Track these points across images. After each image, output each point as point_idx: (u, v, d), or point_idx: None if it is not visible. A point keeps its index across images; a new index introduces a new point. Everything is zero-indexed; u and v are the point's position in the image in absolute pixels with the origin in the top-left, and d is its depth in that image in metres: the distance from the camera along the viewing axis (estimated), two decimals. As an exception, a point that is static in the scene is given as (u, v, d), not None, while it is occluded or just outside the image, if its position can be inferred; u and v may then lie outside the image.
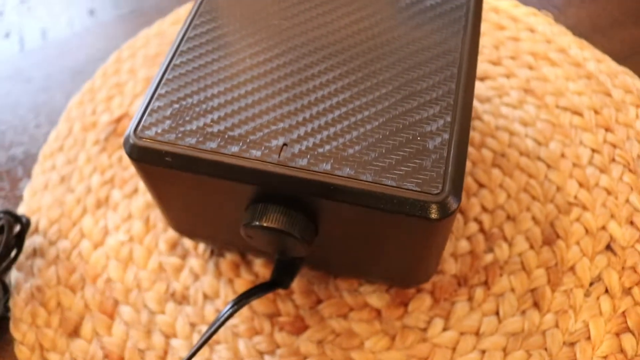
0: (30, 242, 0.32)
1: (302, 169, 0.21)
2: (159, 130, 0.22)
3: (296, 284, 0.29)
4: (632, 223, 0.30)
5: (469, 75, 0.23)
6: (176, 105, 0.23)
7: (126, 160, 0.34)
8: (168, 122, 0.23)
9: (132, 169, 0.34)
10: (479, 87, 0.35)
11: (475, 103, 0.35)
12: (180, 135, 0.22)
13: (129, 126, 0.23)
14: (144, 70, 0.38)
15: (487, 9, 0.39)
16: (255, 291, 0.25)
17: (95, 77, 0.38)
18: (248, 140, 0.22)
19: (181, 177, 0.23)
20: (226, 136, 0.22)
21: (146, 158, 0.22)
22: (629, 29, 0.39)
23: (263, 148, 0.21)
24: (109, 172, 0.34)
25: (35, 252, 0.32)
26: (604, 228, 0.30)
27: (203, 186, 0.23)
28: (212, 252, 0.31)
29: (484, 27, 0.38)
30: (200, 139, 0.22)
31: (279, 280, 0.26)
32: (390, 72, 0.23)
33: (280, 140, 0.22)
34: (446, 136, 0.21)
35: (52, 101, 0.38)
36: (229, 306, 0.25)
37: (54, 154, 0.35)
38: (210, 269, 0.30)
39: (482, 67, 0.36)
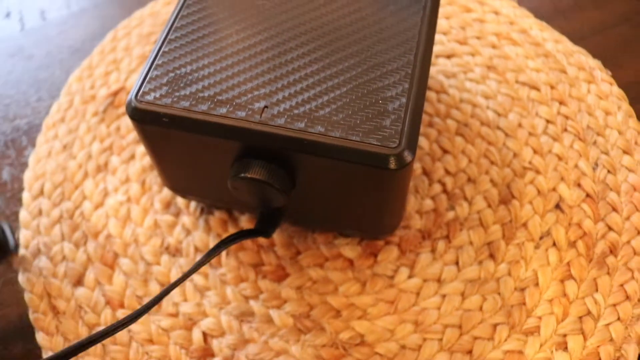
0: (35, 203, 0.36)
1: (280, 127, 0.25)
2: (157, 95, 0.26)
3: (278, 238, 0.33)
4: (579, 185, 0.35)
5: (426, 49, 0.27)
6: (172, 74, 0.27)
7: (123, 129, 0.38)
8: (165, 88, 0.26)
9: (129, 137, 0.37)
10: (446, 64, 0.39)
11: (442, 78, 0.39)
12: (175, 99, 0.26)
13: (131, 92, 0.27)
14: (138, 48, 0.41)
15: (457, -7, 0.43)
16: (239, 235, 0.29)
17: (93, 55, 0.42)
18: (234, 103, 0.26)
19: (176, 136, 0.27)
20: (215, 100, 0.26)
21: (146, 119, 0.26)
22: (588, 12, 0.43)
23: (247, 110, 0.25)
24: (108, 140, 0.38)
25: (41, 213, 0.36)
26: (554, 189, 0.35)
27: (195, 144, 0.27)
28: (202, 210, 0.35)
29: (452, 9, 0.42)
30: (193, 103, 0.26)
31: (262, 229, 0.30)
32: (357, 46, 0.27)
33: (262, 103, 0.26)
34: (404, 100, 0.25)
35: (52, 77, 0.42)
36: (215, 245, 0.29)
37: (56, 124, 0.39)
38: (200, 225, 0.34)
39: (449, 46, 0.40)
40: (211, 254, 0.27)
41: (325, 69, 0.27)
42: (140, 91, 0.27)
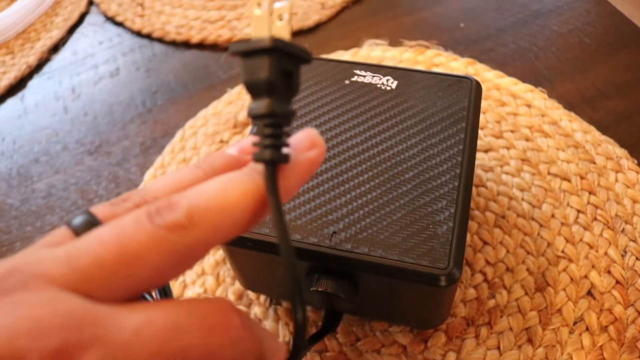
0: (123, 294, 0.43)
1: (347, 251, 0.31)
2: (241, 221, 0.33)
3: (339, 327, 0.39)
4: (609, 272, 0.40)
5: (468, 175, 0.33)
6: (252, 201, 0.33)
7: (196, 225, 0.45)
8: (247, 214, 0.33)
9: (202, 233, 0.44)
10: (484, 158, 0.45)
11: (481, 172, 0.45)
12: (257, 225, 0.32)
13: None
14: (205, 147, 0.48)
15: (490, 87, 0.49)
16: (315, 338, 0.35)
17: (165, 153, 0.49)
18: (308, 229, 0.32)
19: (257, 255, 0.33)
20: (291, 226, 0.32)
21: (232, 242, 0.33)
22: (613, 100, 0.48)
23: (318, 235, 0.32)
24: (183, 235, 0.44)
25: (128, 303, 0.42)
26: (586, 277, 0.40)
27: (273, 261, 0.33)
28: (270, 301, 0.41)
29: (488, 104, 0.48)
30: (272, 229, 0.32)
31: (328, 328, 0.36)
32: (408, 174, 0.33)
33: (331, 229, 0.32)
34: (450, 224, 0.31)
35: (129, 174, 0.49)
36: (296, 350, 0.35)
37: (136, 219, 0.46)
38: (270, 315, 0.40)
39: (486, 140, 0.46)
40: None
41: (383, 195, 0.33)
42: (227, 217, 0.33)
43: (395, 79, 0.38)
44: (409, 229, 0.32)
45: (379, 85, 0.37)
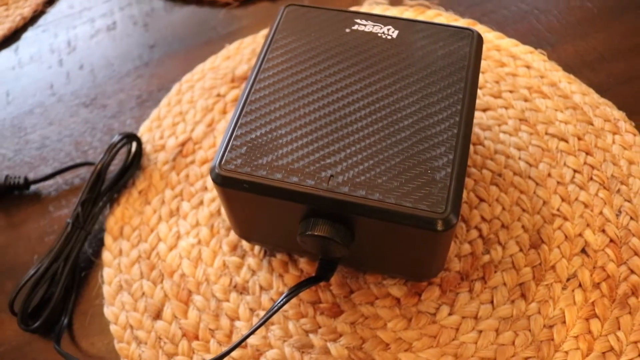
0: (116, 244, 0.42)
1: (345, 194, 0.31)
2: (238, 164, 0.33)
3: (333, 279, 0.39)
4: (603, 231, 0.40)
5: (468, 123, 0.33)
6: (249, 144, 0.33)
7: (192, 177, 0.44)
8: (244, 157, 0.33)
9: (197, 185, 0.44)
10: (482, 117, 0.45)
11: (478, 130, 0.44)
12: (253, 168, 0.32)
13: (214, 159, 0.33)
14: (202, 101, 0.48)
15: (490, 47, 0.49)
16: (305, 283, 0.35)
17: (161, 106, 0.49)
18: (305, 172, 0.32)
19: (253, 199, 0.33)
20: (288, 169, 0.32)
21: (228, 184, 0.32)
22: (613, 63, 0.48)
23: (315, 178, 0.32)
24: (178, 187, 0.44)
25: (121, 253, 0.42)
26: (580, 235, 0.40)
27: (269, 205, 0.33)
28: (265, 253, 0.41)
29: (487, 64, 0.48)
30: (269, 171, 0.32)
31: (322, 275, 0.36)
32: (408, 120, 0.33)
33: (328, 172, 0.32)
34: (449, 170, 0.31)
35: (124, 126, 0.48)
36: (284, 295, 0.35)
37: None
38: (264, 266, 0.40)
39: (484, 99, 0.46)
40: (286, 299, 0.34)
41: (382, 140, 0.33)
42: (223, 160, 0.33)
43: (396, 29, 0.37)
44: (407, 173, 0.31)
45: (379, 34, 0.37)
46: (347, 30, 0.37)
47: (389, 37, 0.37)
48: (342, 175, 0.32)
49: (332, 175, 0.32)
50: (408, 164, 0.32)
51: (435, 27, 0.37)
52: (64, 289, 0.40)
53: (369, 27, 0.37)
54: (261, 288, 0.40)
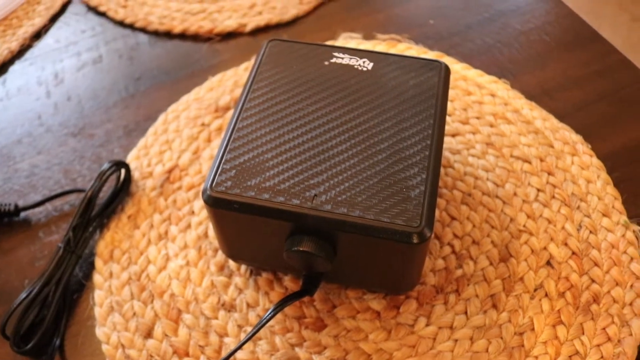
0: (107, 267, 0.44)
1: (327, 211, 0.34)
2: (228, 185, 0.35)
3: (316, 295, 0.42)
4: (566, 244, 0.43)
5: (438, 145, 0.36)
6: (239, 168, 0.36)
7: (179, 202, 0.47)
8: (234, 179, 0.35)
9: (184, 209, 0.46)
10: (451, 142, 0.48)
11: (448, 154, 0.48)
12: (243, 189, 0.35)
13: (205, 182, 0.35)
14: (187, 130, 0.50)
15: (458, 77, 0.53)
16: (290, 298, 0.37)
17: (148, 135, 0.51)
18: (290, 192, 0.34)
19: (242, 218, 0.35)
20: (275, 189, 0.35)
21: (219, 205, 0.35)
22: (571, 92, 0.52)
23: (300, 198, 0.34)
24: (167, 211, 0.46)
25: (112, 275, 0.44)
26: (545, 248, 0.43)
27: (257, 224, 0.35)
28: (251, 272, 0.43)
29: (455, 93, 0.52)
30: (257, 192, 0.34)
31: (307, 289, 0.38)
32: (385, 143, 0.36)
33: (312, 192, 0.34)
34: (422, 188, 0.34)
35: (112, 155, 0.50)
36: (271, 309, 0.37)
37: (121, 197, 0.47)
38: (250, 284, 0.42)
39: (453, 125, 0.49)
40: (273, 313, 0.36)
41: (360, 163, 0.35)
42: (214, 182, 0.35)
43: (371, 61, 0.40)
44: (384, 192, 0.34)
45: (356, 66, 0.40)
46: (326, 63, 0.40)
47: (365, 69, 0.40)
48: (325, 195, 0.34)
49: (315, 195, 0.34)
50: (385, 183, 0.35)
51: (407, 60, 0.41)
52: (55, 312, 0.42)
53: (346, 59, 0.41)
54: (248, 305, 0.42)
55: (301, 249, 0.34)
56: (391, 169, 0.35)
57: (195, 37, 0.58)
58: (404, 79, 0.39)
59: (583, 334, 0.40)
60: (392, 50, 0.55)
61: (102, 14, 0.61)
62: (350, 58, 0.41)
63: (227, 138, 0.37)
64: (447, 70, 0.40)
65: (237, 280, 0.43)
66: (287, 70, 0.40)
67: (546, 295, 0.41)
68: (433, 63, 0.40)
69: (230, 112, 0.51)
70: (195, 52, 0.57)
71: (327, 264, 0.35)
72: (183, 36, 0.58)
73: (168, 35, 0.59)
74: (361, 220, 0.33)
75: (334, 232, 0.34)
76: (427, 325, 0.40)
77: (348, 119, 0.38)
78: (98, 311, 0.43)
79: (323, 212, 0.34)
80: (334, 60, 0.41)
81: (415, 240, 0.33)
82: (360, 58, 0.41)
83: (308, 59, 0.41)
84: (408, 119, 0.37)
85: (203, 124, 0.51)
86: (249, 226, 0.36)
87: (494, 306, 0.41)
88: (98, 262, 0.45)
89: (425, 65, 0.40)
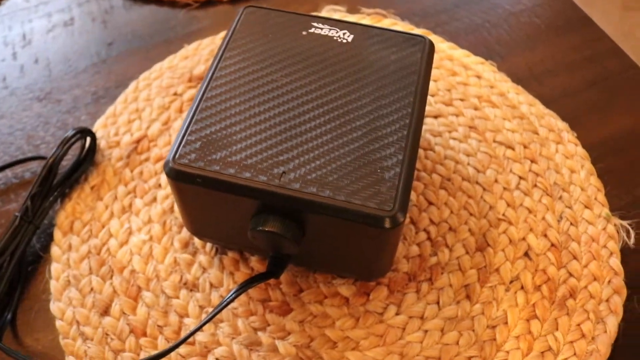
0: (65, 239, 0.42)
1: (296, 190, 0.31)
2: (191, 158, 0.33)
3: (283, 277, 0.40)
4: (545, 235, 0.42)
5: (417, 125, 0.34)
6: (204, 140, 0.33)
7: (146, 174, 0.44)
8: (198, 152, 0.33)
9: (151, 182, 0.44)
10: (433, 123, 0.46)
11: (429, 136, 0.46)
12: (207, 162, 0.32)
13: (168, 154, 0.33)
14: (158, 99, 0.48)
15: (443, 57, 0.50)
16: (255, 279, 0.35)
17: (117, 103, 0.48)
18: (258, 168, 0.32)
19: (206, 193, 0.33)
20: (241, 164, 0.32)
21: (182, 179, 0.32)
22: (559, 77, 0.50)
23: (268, 174, 0.32)
24: (132, 183, 0.44)
25: (71, 248, 0.41)
26: (524, 239, 0.41)
27: (221, 200, 0.33)
28: (216, 250, 0.41)
29: (440, 72, 0.49)
30: (222, 166, 0.32)
31: (273, 271, 0.36)
32: (360, 120, 0.34)
33: (281, 169, 0.32)
34: (398, 169, 0.32)
35: (79, 122, 0.48)
36: (233, 290, 0.35)
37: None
38: (215, 263, 0.40)
39: (436, 106, 0.47)
40: (235, 295, 0.34)
41: (334, 140, 0.33)
42: (177, 154, 0.33)
43: (351, 33, 0.38)
44: (357, 172, 0.32)
45: (335, 38, 0.38)
46: (304, 33, 0.38)
47: (344, 41, 0.37)
48: (294, 172, 0.32)
49: (284, 172, 0.32)
50: (358, 163, 0.32)
51: (389, 33, 0.38)
52: (8, 284, 0.39)
53: (325, 30, 0.38)
54: (211, 285, 0.40)
55: (266, 229, 0.32)
56: (366, 147, 0.33)
57: (173, 3, 0.55)
58: (385, 53, 0.37)
59: (557, 329, 0.38)
60: (377, 25, 0.52)
61: (76, -26, 0.58)
62: (330, 29, 0.38)
63: (194, 108, 0.35)
64: (431, 46, 0.38)
65: (202, 258, 0.41)
66: (261, 39, 0.38)
67: (522, 287, 0.39)
68: (416, 38, 0.38)
69: (205, 83, 0.49)
70: (171, 18, 0.54)
71: (294, 246, 0.33)
72: (160, 1, 0.55)
73: (144, -1, 0.56)
74: (331, 201, 0.31)
75: (301, 212, 0.32)
76: (397, 314, 0.39)
77: (323, 94, 0.35)
78: (54, 285, 0.40)
79: (290, 191, 0.31)
80: (312, 30, 0.38)
81: (387, 225, 0.31)
82: (340, 29, 0.38)
83: (285, 28, 0.38)
84: (387, 95, 0.35)
85: (175, 94, 0.48)
86: (214, 202, 0.34)
87: (468, 297, 0.39)
88: (57, 234, 0.42)
89: (408, 40, 0.38)
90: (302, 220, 0.32)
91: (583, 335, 0.38)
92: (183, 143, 0.33)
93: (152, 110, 0.47)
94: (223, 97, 0.35)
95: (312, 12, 0.54)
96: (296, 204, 0.31)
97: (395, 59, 0.37)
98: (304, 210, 0.31)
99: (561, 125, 0.47)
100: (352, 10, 0.54)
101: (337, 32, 0.38)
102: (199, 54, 0.51)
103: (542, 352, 0.37)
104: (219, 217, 0.35)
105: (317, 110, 0.34)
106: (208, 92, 0.35)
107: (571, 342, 0.37)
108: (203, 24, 0.54)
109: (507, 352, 0.37)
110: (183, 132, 0.34)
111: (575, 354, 0.37)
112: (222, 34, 0.52)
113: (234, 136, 0.33)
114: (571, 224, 0.42)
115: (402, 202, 0.31)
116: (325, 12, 0.54)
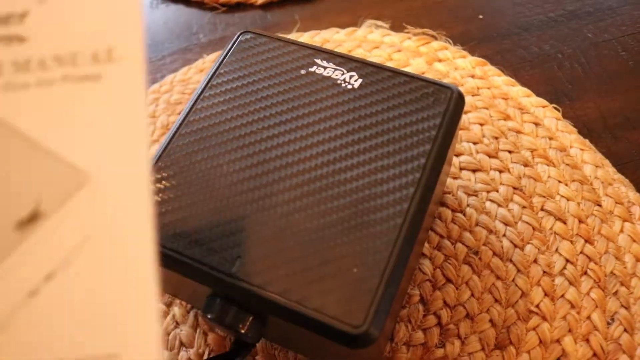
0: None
1: (253, 285, 0.25)
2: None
3: (260, 346, 0.34)
4: (587, 341, 0.33)
5: (417, 215, 0.26)
6: (159, 196, 0.28)
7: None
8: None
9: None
10: (470, 179, 0.38)
11: (462, 194, 0.37)
12: (157, 228, 0.27)
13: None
14: (164, 117, 0.43)
15: (497, 95, 0.41)
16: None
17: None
18: (210, 245, 0.26)
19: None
20: (192, 238, 0.26)
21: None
22: (639, 132, 0.40)
23: (219, 257, 0.26)
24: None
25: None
26: (558, 341, 0.33)
27: (173, 275, 0.28)
28: (192, 306, 0.36)
29: (488, 114, 0.41)
30: (169, 239, 0.27)
31: (235, 355, 0.30)
32: (345, 199, 0.27)
33: (236, 252, 0.26)
34: (382, 267, 0.25)
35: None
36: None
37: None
38: (189, 319, 0.35)
39: (477, 157, 0.39)
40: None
41: (312, 219, 0.26)
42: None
43: (360, 77, 0.31)
44: (330, 266, 0.25)
45: (338, 82, 0.30)
46: (303, 72, 0.31)
47: (349, 87, 0.30)
48: (252, 261, 0.26)
49: (239, 257, 0.26)
50: (335, 253, 0.26)
51: (407, 80, 0.30)
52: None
53: (328, 70, 0.31)
54: (181, 344, 0.35)
55: (212, 317, 0.26)
56: (349, 236, 0.26)
57: (201, 4, 0.49)
58: (396, 111, 0.29)
59: None
60: (423, 49, 0.44)
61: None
62: (335, 69, 0.31)
63: (157, 155, 0.29)
64: (459, 101, 0.30)
65: (176, 310, 0.36)
66: (251, 76, 0.31)
67: (546, 405, 0.32)
68: (441, 89, 0.30)
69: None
70: (195, 21, 0.49)
71: (254, 338, 0.27)
72: (187, 1, 0.50)
73: (172, -3, 0.50)
74: (296, 307, 0.25)
75: (258, 310, 0.26)
76: (383, 416, 0.32)
77: (310, 156, 0.28)
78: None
79: (246, 284, 0.25)
80: (313, 69, 0.31)
81: (357, 343, 0.24)
82: (348, 71, 0.31)
83: (282, 63, 0.31)
84: (388, 167, 0.28)
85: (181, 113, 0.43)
86: (167, 273, 0.28)
87: (475, 407, 0.32)
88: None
89: (431, 92, 0.30)
90: (261, 314, 0.26)
91: None
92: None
93: (155, 130, 0.42)
94: (190, 148, 0.29)
95: (350, 25, 0.46)
96: (250, 300, 0.25)
97: (407, 120, 0.29)
98: (258, 309, 0.25)
99: (633, 196, 0.37)
100: (397, 27, 0.46)
101: (342, 73, 0.31)
102: (218, 66, 0.45)
103: None
104: (180, 287, 0.30)
105: (297, 177, 0.28)
106: (175, 139, 0.30)
107: None
108: (228, 31, 0.48)
109: None
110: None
111: None
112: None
113: (192, 197, 0.27)
114: (625, 329, 0.33)
115: (378, 313, 0.24)
116: (365, 27, 0.46)
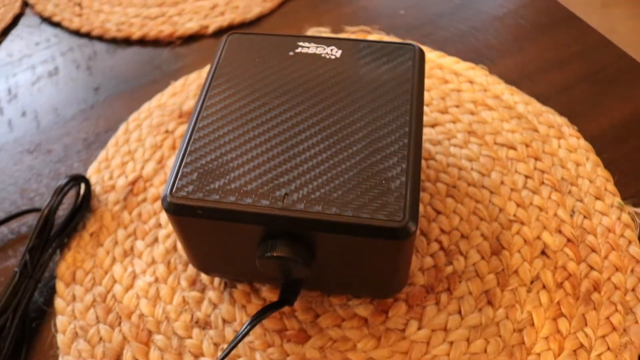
0: (69, 290, 0.40)
1: (301, 211, 0.30)
2: (189, 190, 0.31)
3: (297, 304, 0.38)
4: (560, 232, 0.40)
5: (417, 133, 0.33)
6: (200, 170, 0.32)
7: (144, 214, 0.43)
8: (195, 183, 0.31)
9: (151, 222, 0.42)
10: (431, 133, 0.45)
11: (429, 146, 0.44)
12: (206, 193, 0.31)
13: (164, 188, 0.32)
14: (150, 139, 0.47)
15: (433, 66, 0.50)
16: (268, 309, 0.34)
17: (108, 147, 0.47)
18: (259, 193, 0.31)
19: (208, 225, 0.31)
20: (241, 191, 0.31)
21: (181, 212, 0.31)
22: (551, 74, 0.50)
23: (270, 198, 0.30)
24: (132, 226, 0.42)
25: (75, 298, 0.40)
26: (538, 238, 0.40)
27: (224, 230, 0.32)
28: (225, 285, 0.39)
29: (431, 82, 0.49)
30: (222, 195, 0.31)
31: (286, 299, 0.34)
32: (359, 133, 0.33)
33: (282, 191, 0.31)
34: (403, 178, 0.31)
35: (72, 169, 0.46)
36: (248, 322, 0.33)
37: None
38: (225, 298, 0.39)
39: (432, 115, 0.46)
40: (250, 327, 0.32)
41: (334, 156, 0.32)
42: (174, 187, 0.31)
43: (339, 49, 0.37)
44: (362, 185, 0.31)
45: (323, 55, 0.37)
46: (291, 53, 0.37)
47: (333, 57, 0.37)
48: (296, 193, 0.31)
49: (286, 194, 0.31)
50: (362, 176, 0.31)
51: (377, 45, 0.37)
52: (14, 343, 0.38)
53: (312, 48, 0.37)
54: (224, 321, 0.38)
55: (275, 254, 0.31)
56: (368, 160, 0.32)
57: (156, 43, 0.55)
58: (376, 65, 0.36)
59: (586, 325, 0.36)
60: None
61: (57, 24, 0.57)
62: (317, 47, 0.37)
63: (186, 140, 0.34)
64: (421, 53, 0.37)
65: (211, 294, 0.39)
66: (249, 64, 0.37)
67: (544, 287, 0.38)
68: (405, 47, 0.37)
69: (196, 117, 0.48)
70: (156, 57, 0.54)
71: (305, 270, 0.32)
72: (143, 42, 0.55)
73: (127, 42, 0.55)
74: (338, 218, 0.30)
75: (309, 233, 0.30)
76: (419, 328, 0.37)
77: (317, 111, 0.34)
78: (61, 339, 0.38)
79: (295, 212, 0.30)
80: (299, 50, 0.37)
81: (399, 236, 0.29)
82: (328, 46, 0.37)
83: (271, 50, 0.37)
84: (382, 106, 0.34)
85: (167, 131, 0.47)
86: (217, 233, 0.32)
87: (490, 303, 0.37)
88: (59, 285, 0.40)
89: (397, 49, 0.37)
90: (311, 242, 0.31)
91: (614, 329, 0.36)
92: (179, 176, 0.32)
93: (145, 151, 0.46)
94: (215, 126, 0.34)
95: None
96: (303, 225, 0.30)
97: (386, 70, 0.36)
98: (312, 231, 0.30)
99: (560, 120, 0.46)
100: (337, 30, 0.53)
101: (324, 49, 0.37)
102: (187, 89, 0.50)
103: (575, 350, 0.35)
104: (224, 249, 0.34)
105: (312, 129, 0.33)
106: (199, 122, 0.34)
107: (603, 336, 0.36)
108: (188, 60, 0.53)
109: (538, 354, 0.35)
110: (178, 165, 0.32)
111: (609, 348, 0.35)
112: (208, 67, 0.51)
113: (231, 163, 0.32)
114: (585, 217, 0.41)
115: (412, 211, 0.30)
116: (309, 34, 0.53)
